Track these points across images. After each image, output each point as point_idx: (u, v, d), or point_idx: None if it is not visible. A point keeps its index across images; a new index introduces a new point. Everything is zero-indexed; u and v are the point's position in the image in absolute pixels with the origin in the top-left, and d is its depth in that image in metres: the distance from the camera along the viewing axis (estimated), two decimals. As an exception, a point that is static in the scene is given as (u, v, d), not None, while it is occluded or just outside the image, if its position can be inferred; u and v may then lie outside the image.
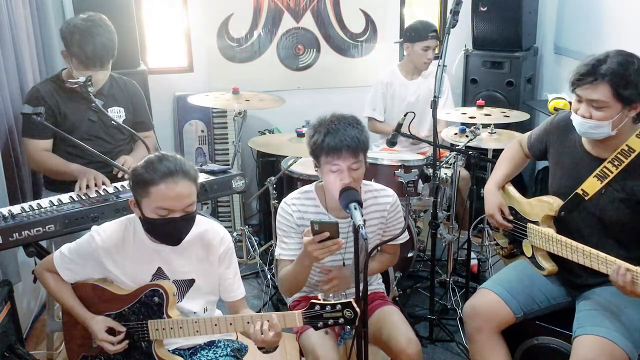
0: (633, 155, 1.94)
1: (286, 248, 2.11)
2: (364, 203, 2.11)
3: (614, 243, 2.03)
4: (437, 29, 3.57)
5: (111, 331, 1.86)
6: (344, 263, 2.15)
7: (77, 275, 1.92)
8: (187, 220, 1.81)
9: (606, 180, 1.99)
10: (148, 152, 2.64)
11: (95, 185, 2.43)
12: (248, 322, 1.74)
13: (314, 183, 2.20)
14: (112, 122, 2.66)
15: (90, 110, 2.63)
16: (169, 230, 1.80)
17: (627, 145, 1.95)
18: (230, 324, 1.79)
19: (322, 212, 2.13)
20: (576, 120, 1.99)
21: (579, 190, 2.05)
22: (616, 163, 1.96)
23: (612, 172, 1.97)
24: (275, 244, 2.23)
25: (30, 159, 2.62)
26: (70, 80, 2.50)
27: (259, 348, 1.79)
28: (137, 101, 2.84)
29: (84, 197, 2.32)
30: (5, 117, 2.60)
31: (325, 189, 2.09)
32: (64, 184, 2.54)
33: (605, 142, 1.99)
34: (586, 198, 2.03)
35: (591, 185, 2.02)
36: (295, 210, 2.12)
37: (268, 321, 1.71)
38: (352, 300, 1.65)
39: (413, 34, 3.54)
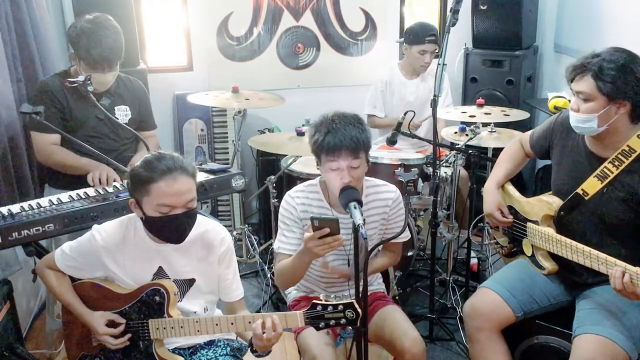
0: (634, 155, 1.94)
1: (285, 242, 2.11)
2: (365, 198, 2.12)
3: (615, 243, 2.03)
4: (437, 32, 3.54)
5: (111, 324, 1.87)
6: (349, 261, 2.15)
7: (78, 273, 1.93)
8: (189, 217, 1.81)
9: (606, 181, 1.99)
10: (148, 152, 2.63)
11: (107, 181, 2.43)
12: (250, 322, 1.74)
13: (319, 177, 2.19)
14: (116, 120, 2.65)
15: (98, 107, 2.61)
16: (172, 227, 1.79)
17: (627, 145, 1.95)
18: (232, 323, 1.78)
19: (325, 207, 2.13)
20: (570, 114, 2.02)
21: (578, 190, 2.05)
22: (617, 163, 1.96)
23: (612, 173, 1.97)
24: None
25: (39, 153, 2.60)
26: (70, 79, 2.48)
27: (252, 351, 1.78)
28: (142, 100, 2.84)
29: (83, 196, 2.32)
30: (4, 115, 2.59)
31: (327, 187, 2.09)
32: (67, 182, 2.54)
33: (606, 141, 1.99)
34: (586, 198, 2.03)
35: (591, 185, 2.02)
36: (299, 202, 2.12)
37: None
38: (353, 300, 1.65)
39: (411, 37, 3.53)
